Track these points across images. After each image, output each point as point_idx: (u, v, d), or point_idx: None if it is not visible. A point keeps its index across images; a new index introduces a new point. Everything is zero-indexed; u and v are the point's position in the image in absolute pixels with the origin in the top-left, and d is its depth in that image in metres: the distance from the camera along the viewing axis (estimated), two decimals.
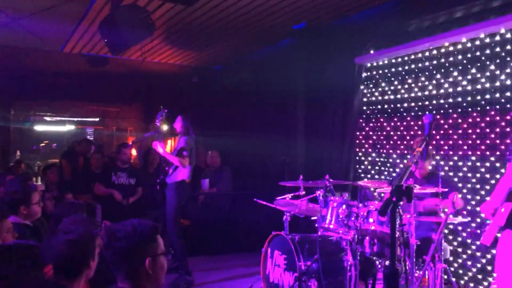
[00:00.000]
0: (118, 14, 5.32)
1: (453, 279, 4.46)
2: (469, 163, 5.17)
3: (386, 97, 6.33)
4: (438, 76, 5.57)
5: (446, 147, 5.43)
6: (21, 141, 13.86)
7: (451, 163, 5.37)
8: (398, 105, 6.15)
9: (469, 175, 5.16)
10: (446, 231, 5.20)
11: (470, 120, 5.20)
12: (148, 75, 10.09)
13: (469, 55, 5.20)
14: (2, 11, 5.92)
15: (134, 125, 13.52)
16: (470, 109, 5.21)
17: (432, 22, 5.51)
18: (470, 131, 5.18)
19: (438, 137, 5.53)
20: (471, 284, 5.05)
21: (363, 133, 6.73)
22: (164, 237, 2.22)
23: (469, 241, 5.12)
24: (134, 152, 9.00)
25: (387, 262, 4.21)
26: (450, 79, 5.42)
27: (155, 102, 11.32)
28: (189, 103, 10.35)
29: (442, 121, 5.47)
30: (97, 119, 15.06)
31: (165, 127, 6.06)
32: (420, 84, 5.81)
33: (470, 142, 5.18)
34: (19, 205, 3.78)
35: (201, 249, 7.03)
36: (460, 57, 5.30)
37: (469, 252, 5.12)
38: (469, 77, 5.21)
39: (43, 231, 4.30)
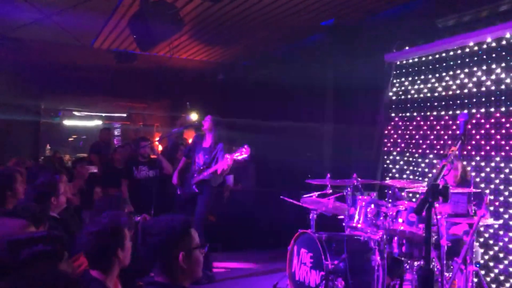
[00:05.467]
0: (148, 10, 5.37)
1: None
2: (493, 164, 5.11)
3: (409, 96, 6.30)
4: (462, 76, 5.52)
5: (469, 147, 5.38)
6: (51, 135, 14.17)
7: (473, 163, 5.32)
8: (422, 104, 6.11)
9: (492, 175, 5.10)
10: None
11: (493, 120, 5.14)
12: (175, 72, 10.16)
13: (494, 55, 5.15)
14: (35, 7, 6.04)
15: (160, 121, 13.63)
16: (493, 109, 5.15)
17: (457, 21, 5.47)
18: (493, 131, 5.12)
19: None
20: (493, 285, 4.97)
21: (385, 132, 6.68)
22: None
23: (491, 241, 5.05)
24: (160, 147, 9.05)
25: (416, 263, 4.12)
26: (474, 79, 5.37)
27: (181, 98, 11.41)
28: (215, 99, 10.38)
29: None
30: (124, 115, 15.26)
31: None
32: (444, 83, 5.77)
33: (493, 142, 5.12)
34: (49, 196, 3.83)
35: (226, 245, 7.02)
36: (484, 56, 5.25)
37: (491, 252, 5.06)
38: (493, 77, 5.15)
39: (72, 223, 4.37)
